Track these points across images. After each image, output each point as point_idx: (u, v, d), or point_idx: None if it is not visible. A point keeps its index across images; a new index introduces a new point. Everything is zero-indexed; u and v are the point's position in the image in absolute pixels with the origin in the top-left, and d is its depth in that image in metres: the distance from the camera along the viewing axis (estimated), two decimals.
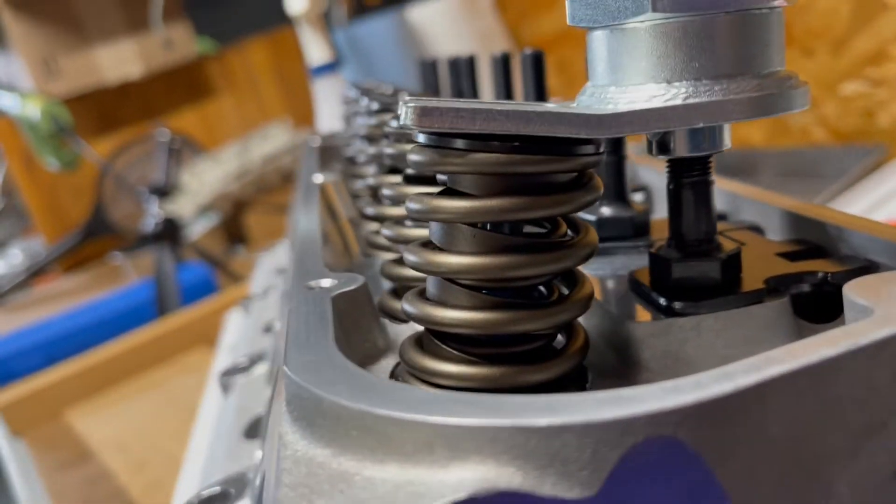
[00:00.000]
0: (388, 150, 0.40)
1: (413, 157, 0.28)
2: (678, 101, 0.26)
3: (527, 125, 0.25)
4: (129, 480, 0.96)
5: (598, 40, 0.29)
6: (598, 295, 0.33)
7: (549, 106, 0.26)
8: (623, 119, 0.26)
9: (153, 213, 1.63)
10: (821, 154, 1.25)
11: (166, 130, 1.82)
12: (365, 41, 1.48)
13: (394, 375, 0.31)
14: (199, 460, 0.80)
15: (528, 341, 0.29)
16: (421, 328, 0.30)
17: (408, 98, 0.26)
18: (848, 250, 0.33)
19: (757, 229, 0.37)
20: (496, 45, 1.48)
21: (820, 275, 0.30)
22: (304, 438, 0.23)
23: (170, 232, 1.61)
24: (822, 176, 1.19)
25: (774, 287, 0.30)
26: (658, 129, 0.26)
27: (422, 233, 0.34)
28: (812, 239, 0.35)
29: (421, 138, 0.27)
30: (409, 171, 0.38)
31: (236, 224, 1.90)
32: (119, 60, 2.02)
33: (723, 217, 0.40)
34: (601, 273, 0.36)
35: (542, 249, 0.27)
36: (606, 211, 0.39)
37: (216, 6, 2.42)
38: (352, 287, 0.32)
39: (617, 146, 0.38)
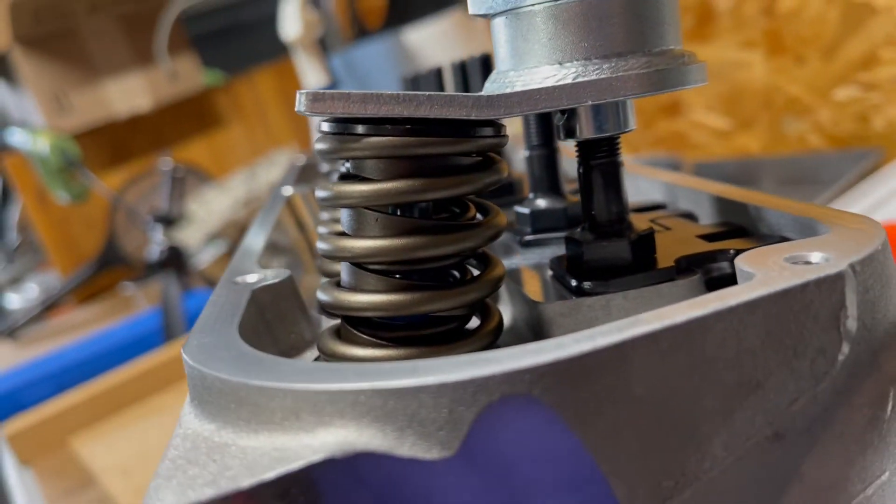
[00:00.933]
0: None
1: (318, 146, 0.28)
2: (568, 81, 0.26)
3: (417, 108, 0.26)
4: None
5: (498, 27, 0.29)
6: (523, 283, 0.34)
7: (442, 93, 0.27)
8: (512, 99, 0.26)
9: (158, 242, 1.65)
10: (818, 160, 1.25)
11: (169, 160, 1.85)
12: (362, 65, 1.50)
13: None
14: None
15: (438, 323, 0.29)
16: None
17: (302, 89, 0.27)
18: (766, 229, 0.33)
19: (690, 216, 0.38)
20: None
21: (731, 252, 0.30)
22: (197, 417, 0.24)
23: (175, 260, 1.63)
24: (820, 182, 1.19)
25: (687, 266, 0.30)
26: (547, 109, 0.26)
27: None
28: (737, 221, 0.35)
29: (324, 127, 0.28)
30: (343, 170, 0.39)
31: None
32: (128, 94, 2.06)
33: (661, 206, 0.40)
34: (531, 262, 0.36)
35: (446, 231, 0.28)
36: (541, 203, 0.39)
37: (224, 39, 2.46)
38: (276, 280, 0.33)
39: (548, 138, 0.39)
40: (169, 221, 1.69)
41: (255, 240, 0.42)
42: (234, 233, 1.89)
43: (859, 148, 1.21)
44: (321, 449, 0.20)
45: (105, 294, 2.05)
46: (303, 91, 0.27)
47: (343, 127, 0.27)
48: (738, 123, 1.35)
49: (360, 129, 0.27)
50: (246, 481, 0.19)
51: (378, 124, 0.27)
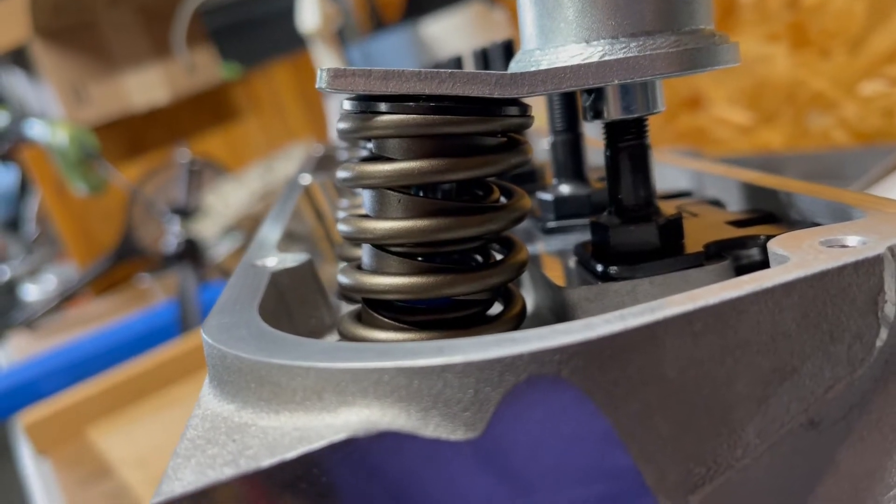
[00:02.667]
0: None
1: (339, 125, 0.28)
2: (594, 59, 0.26)
3: (440, 84, 0.25)
4: (147, 495, 0.97)
5: (525, 5, 0.29)
6: (548, 269, 0.33)
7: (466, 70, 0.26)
8: (537, 77, 0.25)
9: (174, 234, 1.66)
10: (842, 156, 1.23)
11: (187, 152, 1.85)
12: (379, 57, 1.50)
13: None
14: None
15: (460, 307, 0.28)
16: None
17: (324, 66, 0.26)
18: (797, 216, 0.32)
19: (717, 203, 0.37)
20: None
21: (762, 238, 0.30)
22: (216, 397, 0.23)
23: (191, 252, 1.63)
24: (844, 178, 1.17)
25: (716, 251, 0.30)
26: (572, 87, 0.26)
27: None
28: (766, 207, 0.34)
29: (346, 106, 0.28)
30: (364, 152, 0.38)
31: None
32: (146, 87, 2.07)
33: (687, 194, 0.40)
34: (556, 249, 0.36)
35: (469, 213, 0.27)
36: (565, 189, 0.38)
37: (241, 32, 2.46)
38: (294, 264, 0.32)
39: (572, 123, 0.38)
40: (186, 214, 1.70)
41: (274, 226, 0.42)
42: (250, 226, 1.89)
43: (885, 144, 1.19)
44: (344, 428, 0.19)
45: (122, 286, 2.06)
46: (324, 67, 0.26)
47: (365, 105, 0.27)
48: (760, 118, 1.33)
49: (382, 107, 0.26)
50: (266, 461, 0.19)
51: (401, 102, 0.26)
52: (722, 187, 0.38)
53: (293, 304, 0.32)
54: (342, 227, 0.28)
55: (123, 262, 1.97)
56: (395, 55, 1.46)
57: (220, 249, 1.81)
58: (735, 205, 0.37)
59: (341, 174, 0.28)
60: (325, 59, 1.33)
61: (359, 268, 0.30)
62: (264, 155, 2.15)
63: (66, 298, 1.97)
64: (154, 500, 0.19)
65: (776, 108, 1.31)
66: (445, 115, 0.26)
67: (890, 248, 0.23)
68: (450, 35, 1.47)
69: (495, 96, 0.25)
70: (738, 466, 0.21)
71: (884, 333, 0.22)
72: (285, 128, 2.39)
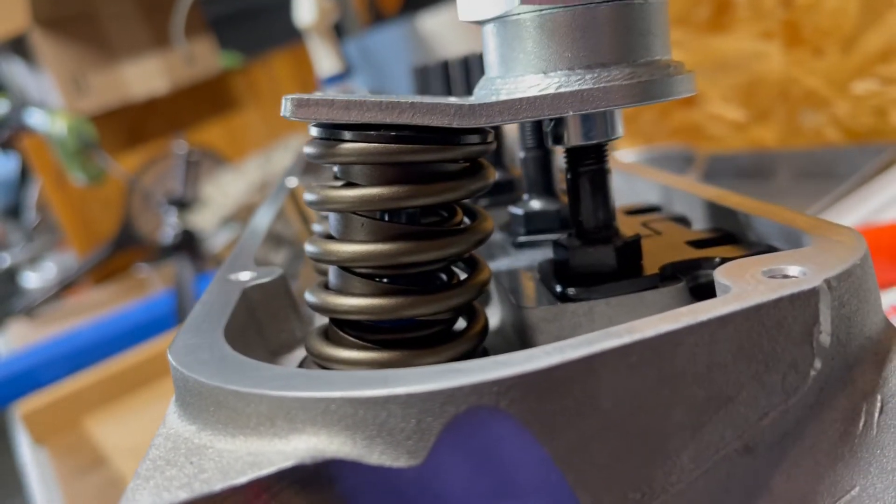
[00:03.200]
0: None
1: (306, 150, 0.29)
2: (550, 91, 0.26)
3: (399, 115, 0.26)
4: None
5: (489, 34, 0.29)
6: (514, 285, 0.34)
7: (428, 98, 0.27)
8: (493, 109, 0.26)
9: (172, 225, 1.67)
10: (834, 154, 1.24)
11: (184, 143, 1.86)
12: (377, 51, 1.50)
13: (301, 365, 0.32)
14: None
15: (424, 327, 0.29)
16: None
17: (289, 95, 0.27)
18: (754, 237, 0.33)
19: (683, 220, 0.38)
20: None
21: (717, 260, 0.30)
22: (180, 417, 0.25)
23: (189, 243, 1.64)
24: (836, 176, 1.18)
25: (671, 273, 0.31)
26: (528, 119, 0.26)
27: None
28: (727, 227, 0.35)
29: (313, 132, 0.29)
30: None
31: None
32: (145, 76, 2.07)
33: (656, 209, 0.41)
34: (524, 264, 0.37)
35: (431, 237, 0.28)
36: (535, 205, 0.39)
37: (241, 22, 2.47)
38: (266, 279, 0.33)
39: (542, 140, 0.39)
40: (183, 205, 1.71)
41: (256, 233, 0.43)
42: (248, 217, 1.90)
43: (877, 142, 1.20)
44: (293, 455, 0.20)
45: (120, 275, 2.07)
46: (288, 97, 0.27)
47: (330, 132, 0.28)
48: (754, 115, 1.34)
49: (346, 134, 0.27)
50: (218, 485, 0.20)
51: (364, 131, 0.27)
52: (688, 203, 0.39)
53: (264, 319, 0.33)
54: (309, 248, 0.29)
55: (122, 251, 1.99)
56: (393, 50, 1.47)
57: (217, 240, 1.82)
58: (699, 222, 0.38)
59: (308, 197, 0.29)
60: (321, 54, 1.33)
61: (326, 286, 0.31)
62: (263, 145, 2.16)
63: (65, 287, 1.98)
64: None
65: (769, 106, 1.31)
66: (407, 144, 0.27)
67: (827, 280, 0.23)
68: (447, 29, 1.47)
69: (454, 126, 0.26)
70: (674, 491, 0.22)
71: (818, 362, 0.23)
72: (284, 119, 2.39)
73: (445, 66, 0.64)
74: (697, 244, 0.33)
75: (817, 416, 0.24)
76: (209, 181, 1.90)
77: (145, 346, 1.28)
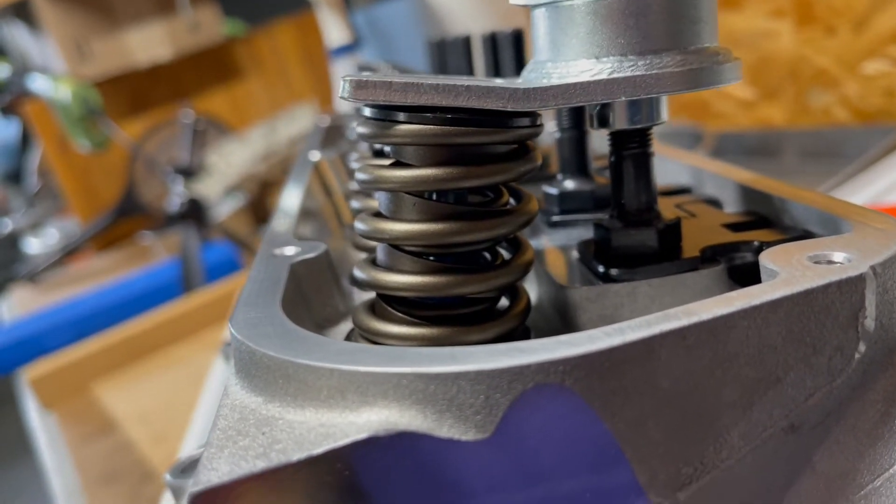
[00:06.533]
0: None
1: (359, 130, 0.29)
2: (603, 76, 0.27)
3: (456, 98, 0.27)
4: (149, 451, 1.00)
5: (539, 17, 0.30)
6: (551, 264, 0.35)
7: (481, 80, 0.28)
8: (548, 93, 0.27)
9: (178, 194, 1.67)
10: (842, 134, 1.24)
11: (191, 112, 1.86)
12: (385, 22, 1.49)
13: (348, 339, 0.33)
14: (202, 424, 0.84)
15: (469, 304, 0.30)
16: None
17: (346, 74, 0.28)
18: (789, 221, 0.33)
19: (715, 202, 0.38)
20: (518, 24, 1.47)
21: (755, 244, 0.31)
22: (244, 389, 0.25)
23: (195, 212, 1.65)
24: (844, 156, 1.18)
25: (711, 255, 0.31)
26: (581, 103, 0.27)
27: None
28: (761, 211, 0.36)
29: (366, 112, 0.29)
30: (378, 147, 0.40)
31: (262, 205, 1.93)
32: (149, 43, 2.06)
33: (687, 191, 0.41)
34: (560, 243, 0.37)
35: (480, 217, 0.29)
36: (569, 185, 0.40)
37: None
38: (312, 255, 0.34)
39: (578, 121, 0.40)
40: (189, 173, 1.71)
41: (290, 208, 0.43)
42: (252, 186, 1.91)
43: (885, 123, 1.20)
44: (365, 427, 0.21)
45: (124, 242, 2.07)
46: (346, 77, 0.27)
47: (385, 113, 0.28)
48: (763, 94, 1.34)
49: (401, 116, 0.28)
50: (295, 455, 0.21)
51: (419, 113, 0.28)
52: (720, 186, 0.40)
53: (310, 293, 0.34)
54: (359, 226, 0.30)
55: (125, 218, 1.99)
56: (401, 21, 1.46)
57: (222, 209, 1.83)
58: (731, 205, 0.39)
59: (360, 176, 0.29)
60: (329, 24, 1.33)
61: (373, 262, 0.31)
62: (267, 115, 2.15)
63: (68, 253, 1.98)
64: (192, 489, 0.21)
65: (779, 84, 1.32)
66: (460, 127, 0.27)
67: (873, 267, 0.24)
68: (456, 2, 1.46)
69: (508, 109, 0.27)
70: (723, 467, 0.23)
71: (862, 346, 0.24)
72: (288, 88, 2.39)
73: (467, 41, 0.64)
74: (734, 227, 0.33)
75: (860, 397, 0.25)
76: (213, 150, 1.90)
77: (152, 314, 1.29)
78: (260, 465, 0.21)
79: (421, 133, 0.27)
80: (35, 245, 2.34)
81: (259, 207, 1.94)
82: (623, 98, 0.27)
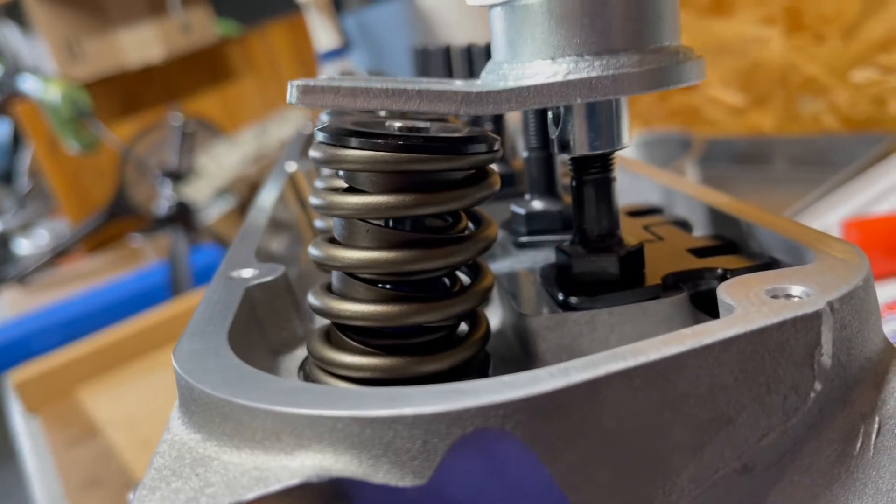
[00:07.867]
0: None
1: (312, 154, 0.29)
2: (559, 78, 0.26)
3: (406, 102, 0.26)
4: (133, 457, 0.99)
5: (496, 17, 0.29)
6: (514, 289, 0.34)
7: (431, 82, 0.27)
8: (501, 96, 0.26)
9: (166, 196, 1.66)
10: (831, 142, 1.24)
11: (179, 114, 1.85)
12: (375, 27, 1.49)
13: (302, 367, 0.32)
14: None
15: (426, 332, 0.30)
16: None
17: (295, 80, 0.27)
18: (756, 247, 0.33)
19: (684, 224, 0.38)
20: None
21: (719, 271, 0.31)
22: (184, 424, 0.25)
23: (183, 215, 1.64)
24: (833, 164, 1.18)
25: (673, 283, 0.31)
26: (536, 106, 0.26)
27: None
28: (729, 235, 0.35)
29: (319, 136, 0.28)
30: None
31: None
32: (140, 44, 2.05)
33: (658, 211, 0.41)
34: (526, 265, 0.37)
35: (435, 244, 0.28)
36: (537, 205, 0.39)
37: None
38: (269, 278, 0.33)
39: (546, 142, 0.39)
40: (178, 177, 1.70)
41: (256, 224, 0.43)
42: (243, 189, 1.89)
43: (874, 131, 1.20)
44: (298, 472, 0.20)
45: (113, 244, 2.06)
46: (293, 82, 0.27)
47: (337, 138, 0.27)
48: (752, 100, 1.33)
49: (353, 141, 0.27)
50: (226, 500, 0.20)
51: (371, 138, 0.27)
52: (691, 207, 0.39)
53: (266, 318, 0.33)
54: (312, 251, 0.29)
55: (116, 220, 1.98)
56: (391, 26, 1.46)
57: (211, 212, 1.82)
58: (701, 227, 0.38)
59: (313, 201, 0.29)
60: (319, 28, 1.32)
61: (328, 289, 0.31)
62: (259, 116, 2.14)
63: (58, 254, 1.97)
64: None
65: (768, 91, 1.31)
66: (414, 154, 0.27)
67: (830, 303, 0.24)
68: (447, 8, 1.46)
69: (461, 113, 0.26)
70: None
71: (818, 385, 0.24)
72: (281, 90, 2.36)
73: (447, 51, 0.63)
74: (699, 252, 0.33)
75: (816, 436, 0.24)
76: (204, 152, 1.89)
77: (139, 318, 1.28)
78: None
79: (373, 160, 0.27)
80: (25, 246, 2.33)
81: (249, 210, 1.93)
82: (579, 101, 0.26)
